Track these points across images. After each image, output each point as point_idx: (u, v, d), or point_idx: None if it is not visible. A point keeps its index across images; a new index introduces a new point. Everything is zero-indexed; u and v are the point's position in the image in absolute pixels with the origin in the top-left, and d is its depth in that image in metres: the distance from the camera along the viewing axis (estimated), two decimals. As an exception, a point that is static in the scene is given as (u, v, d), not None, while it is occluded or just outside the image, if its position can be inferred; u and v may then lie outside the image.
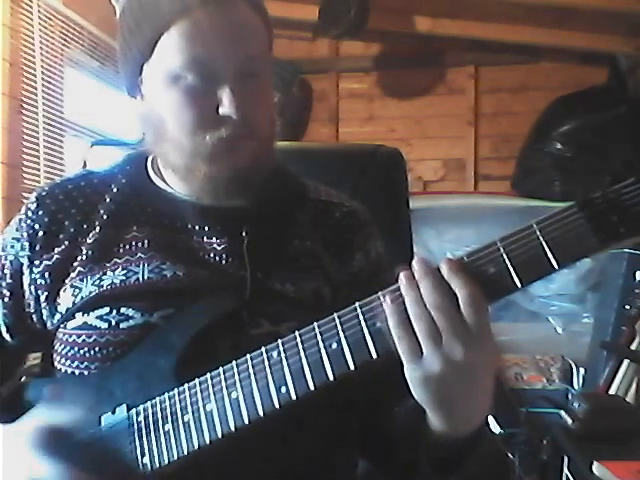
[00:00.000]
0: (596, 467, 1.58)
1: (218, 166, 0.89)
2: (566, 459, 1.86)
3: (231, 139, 0.87)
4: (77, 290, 0.90)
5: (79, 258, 0.92)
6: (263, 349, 0.77)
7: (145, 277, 0.89)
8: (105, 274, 0.90)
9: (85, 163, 2.44)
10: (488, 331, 0.71)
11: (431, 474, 0.81)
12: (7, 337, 0.98)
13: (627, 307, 2.47)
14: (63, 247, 0.93)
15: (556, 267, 0.68)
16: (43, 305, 0.93)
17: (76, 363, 0.89)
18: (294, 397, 0.75)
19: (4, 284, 0.96)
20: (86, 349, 0.88)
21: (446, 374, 0.70)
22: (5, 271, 0.96)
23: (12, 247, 0.96)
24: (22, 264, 0.95)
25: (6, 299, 0.96)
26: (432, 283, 0.70)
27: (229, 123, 0.87)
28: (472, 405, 0.75)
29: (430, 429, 0.78)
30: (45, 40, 2.65)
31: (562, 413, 2.00)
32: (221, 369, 0.79)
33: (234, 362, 0.78)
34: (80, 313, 0.89)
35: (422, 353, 0.70)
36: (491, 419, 2.61)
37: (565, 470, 1.85)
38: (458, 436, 0.77)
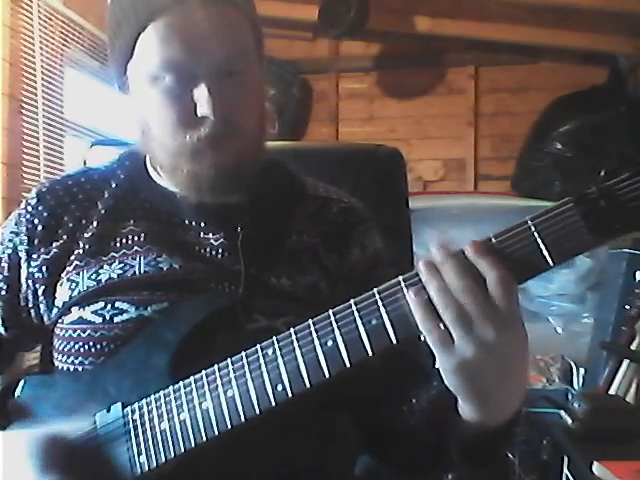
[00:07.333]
0: (596, 467, 1.58)
1: (201, 164, 0.89)
2: (566, 459, 1.86)
3: (212, 138, 0.87)
4: (74, 284, 0.91)
5: (76, 252, 0.93)
6: (258, 347, 0.77)
7: (142, 270, 0.90)
8: (102, 268, 0.91)
9: (85, 163, 2.44)
10: (519, 313, 0.68)
11: (461, 464, 0.80)
12: (1, 330, 0.99)
13: (627, 307, 2.46)
14: (61, 242, 0.94)
15: (551, 264, 0.67)
16: (40, 299, 0.94)
17: (71, 359, 0.90)
18: (290, 395, 0.74)
19: (1, 277, 0.97)
20: (81, 344, 0.89)
21: (480, 359, 0.67)
22: (2, 264, 0.97)
23: (10, 241, 0.97)
24: (20, 258, 0.95)
25: (3, 292, 0.97)
26: (456, 266, 0.68)
27: (208, 123, 0.86)
28: (506, 392, 0.73)
29: (461, 419, 0.76)
30: (45, 40, 2.64)
31: (562, 413, 2.00)
32: (216, 367, 0.78)
33: (229, 360, 0.78)
34: (76, 307, 0.90)
35: (453, 341, 0.68)
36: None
37: (565, 470, 1.85)
38: (491, 426, 0.75)
